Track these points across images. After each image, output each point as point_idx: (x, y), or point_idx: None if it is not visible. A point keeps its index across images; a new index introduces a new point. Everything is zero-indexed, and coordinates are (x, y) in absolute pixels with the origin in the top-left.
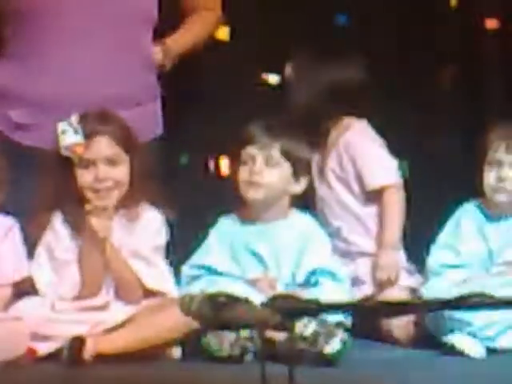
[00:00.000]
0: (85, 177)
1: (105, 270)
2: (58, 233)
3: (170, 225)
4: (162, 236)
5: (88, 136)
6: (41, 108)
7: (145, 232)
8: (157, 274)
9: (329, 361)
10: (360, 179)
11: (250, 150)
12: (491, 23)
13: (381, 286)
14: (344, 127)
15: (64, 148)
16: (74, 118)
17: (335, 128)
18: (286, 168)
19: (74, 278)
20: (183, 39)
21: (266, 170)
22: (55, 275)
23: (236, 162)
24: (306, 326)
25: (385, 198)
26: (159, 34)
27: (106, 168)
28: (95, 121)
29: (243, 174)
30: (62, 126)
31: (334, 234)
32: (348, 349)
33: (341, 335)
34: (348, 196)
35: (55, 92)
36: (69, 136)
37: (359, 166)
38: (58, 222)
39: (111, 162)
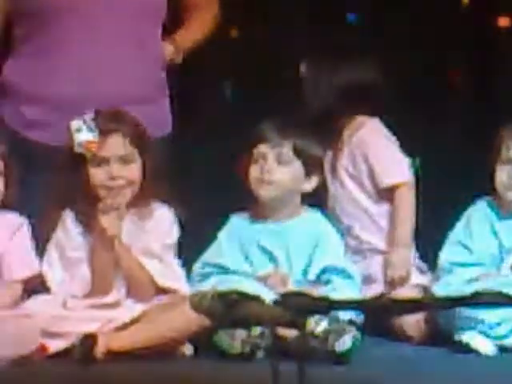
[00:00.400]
0: (98, 175)
1: (116, 269)
2: (68, 231)
3: (181, 223)
4: (173, 234)
5: (102, 134)
6: (54, 106)
7: (156, 230)
8: (169, 272)
9: (339, 358)
10: (372, 177)
11: (262, 148)
12: (504, 21)
13: (392, 284)
14: (357, 125)
15: (78, 145)
16: (89, 116)
17: (348, 126)
18: (297, 166)
19: (85, 277)
20: (191, 34)
21: (277, 167)
22: (66, 273)
23: (248, 160)
24: (317, 324)
25: (397, 196)
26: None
27: (119, 166)
28: (109, 119)
29: (254, 172)
30: (76, 123)
31: (346, 231)
32: (358, 347)
33: (352, 333)
34: (360, 194)
35: (68, 90)
36: (83, 133)
37: (372, 163)
38: (68, 220)
39: (124, 160)
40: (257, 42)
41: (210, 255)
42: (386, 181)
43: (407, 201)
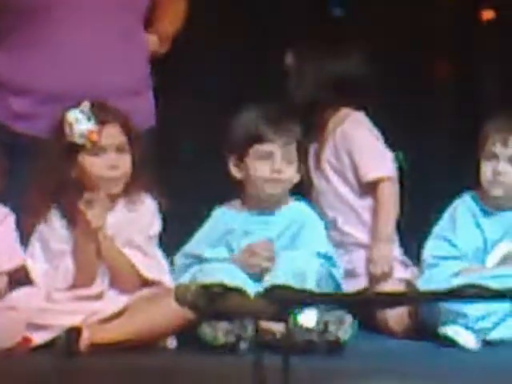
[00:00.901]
0: (96, 164)
1: (99, 260)
2: (52, 223)
3: (165, 214)
4: (155, 225)
5: (101, 123)
6: (42, 98)
7: (139, 221)
8: (152, 264)
9: (342, 347)
10: (356, 171)
11: (270, 147)
12: (487, 14)
13: (375, 279)
14: (341, 118)
15: (79, 135)
16: (86, 106)
17: (333, 118)
18: (297, 161)
19: (68, 269)
20: (171, 24)
21: (285, 166)
22: (49, 265)
23: (240, 157)
24: (308, 317)
25: (379, 191)
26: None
27: (117, 156)
28: (104, 109)
29: (261, 170)
30: (73, 113)
31: (329, 224)
32: (356, 331)
33: (348, 318)
34: (344, 187)
35: (56, 82)
36: (83, 123)
37: (355, 157)
38: (52, 212)
39: (120, 149)
40: (242, 31)
41: (192, 246)
42: (369, 175)
43: (390, 195)
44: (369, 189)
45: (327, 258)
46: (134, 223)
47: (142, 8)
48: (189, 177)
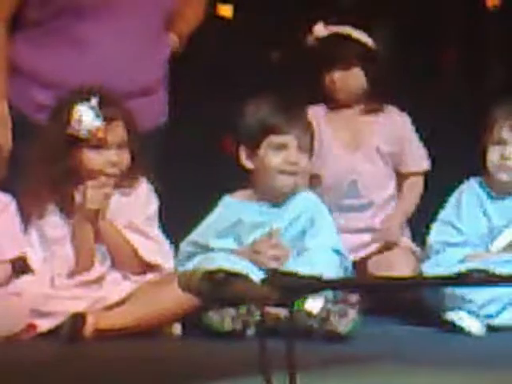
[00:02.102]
0: (96, 160)
1: (99, 243)
2: (47, 212)
3: (170, 202)
4: (153, 204)
5: (107, 120)
6: (65, 91)
7: (137, 203)
8: (154, 246)
9: (341, 339)
10: (398, 157)
11: (283, 138)
12: (492, 0)
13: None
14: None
15: (85, 130)
16: (95, 101)
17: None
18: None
19: (67, 255)
20: (189, 20)
21: (300, 157)
22: (47, 253)
23: (254, 148)
24: (314, 304)
25: (412, 181)
26: None
27: (118, 152)
28: (112, 105)
29: (277, 162)
30: (82, 108)
31: (350, 188)
32: (358, 326)
33: (352, 313)
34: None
35: (80, 76)
36: (90, 119)
37: (405, 145)
38: (48, 198)
39: (121, 146)
40: (250, 25)
41: (197, 235)
42: (417, 166)
43: (420, 188)
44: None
45: (339, 252)
46: (130, 205)
47: (170, 8)
48: (196, 167)
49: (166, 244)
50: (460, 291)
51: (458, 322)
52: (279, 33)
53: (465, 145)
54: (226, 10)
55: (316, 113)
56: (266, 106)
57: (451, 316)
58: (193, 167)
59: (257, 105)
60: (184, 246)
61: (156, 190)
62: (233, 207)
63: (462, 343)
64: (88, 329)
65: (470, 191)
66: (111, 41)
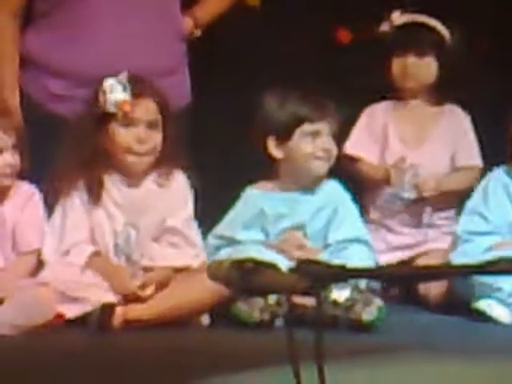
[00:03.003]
0: (125, 136)
1: None
2: (73, 198)
3: (197, 193)
4: (190, 206)
5: (135, 96)
6: (79, 79)
7: (173, 199)
8: (191, 252)
9: (365, 328)
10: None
11: (317, 125)
12: None
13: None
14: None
15: (111, 104)
16: (123, 76)
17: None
18: None
19: (83, 250)
20: (209, 8)
21: (332, 144)
22: (62, 243)
23: (284, 138)
24: (339, 292)
25: (467, 174)
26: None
27: (147, 130)
28: (141, 83)
29: (310, 148)
30: (110, 81)
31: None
32: (384, 315)
33: (377, 302)
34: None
35: (93, 63)
36: (117, 92)
37: (463, 138)
38: (76, 186)
39: (151, 125)
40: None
41: (223, 228)
42: (473, 161)
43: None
44: None
45: (364, 241)
46: (168, 200)
47: None
48: (220, 156)
49: (202, 246)
50: (488, 280)
51: (487, 311)
52: (305, 25)
53: (492, 132)
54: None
55: (381, 109)
56: (295, 95)
57: (480, 304)
58: (216, 155)
59: (284, 95)
60: (211, 239)
61: (194, 188)
62: (255, 198)
63: (491, 332)
64: (117, 319)
65: (496, 180)
66: (121, 24)
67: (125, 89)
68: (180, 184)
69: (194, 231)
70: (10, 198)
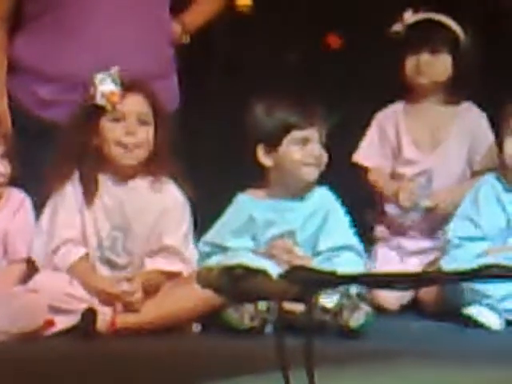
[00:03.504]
0: (114, 130)
1: None
2: (65, 193)
3: (191, 202)
4: (187, 221)
5: (125, 89)
6: (67, 84)
7: (171, 219)
8: (183, 267)
9: (353, 333)
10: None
11: (306, 132)
12: None
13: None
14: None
15: (100, 96)
16: (114, 70)
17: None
18: None
19: (69, 252)
20: (200, 13)
21: (322, 151)
22: (49, 241)
23: (274, 145)
24: (328, 298)
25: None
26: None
27: (136, 124)
28: (133, 79)
29: (300, 157)
30: (100, 75)
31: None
32: (371, 322)
33: (365, 308)
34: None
35: (82, 68)
36: (107, 84)
37: (478, 141)
38: (68, 182)
39: (141, 120)
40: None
41: (213, 235)
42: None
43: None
44: None
45: (354, 249)
46: (159, 208)
47: None
48: (210, 162)
49: (195, 258)
50: (479, 286)
51: (478, 317)
52: (298, 31)
53: None
54: (245, 2)
55: (394, 111)
56: (283, 102)
57: (470, 310)
58: (206, 162)
59: (272, 102)
60: (201, 247)
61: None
62: (245, 205)
63: (482, 338)
64: (103, 326)
65: (487, 185)
66: (111, 29)
67: (114, 81)
68: (176, 196)
69: (190, 247)
70: (1, 206)
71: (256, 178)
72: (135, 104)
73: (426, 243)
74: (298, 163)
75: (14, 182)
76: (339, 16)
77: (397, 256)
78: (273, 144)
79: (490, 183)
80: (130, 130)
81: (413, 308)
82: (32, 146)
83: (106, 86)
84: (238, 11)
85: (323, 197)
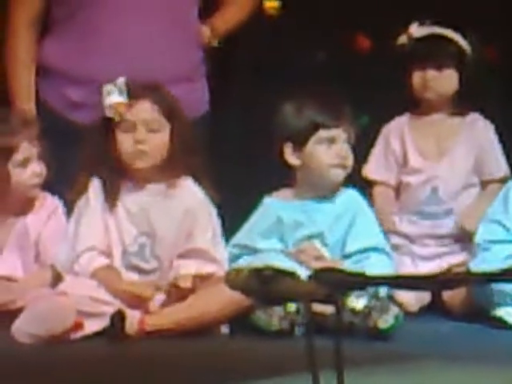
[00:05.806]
0: (125, 141)
1: None
2: (89, 200)
3: (214, 202)
4: (214, 221)
5: (132, 98)
6: (96, 86)
7: (200, 222)
8: (214, 268)
9: (382, 335)
10: (478, 165)
11: (333, 132)
12: None
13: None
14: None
15: (108, 107)
16: (120, 80)
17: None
18: None
19: (92, 260)
20: (228, 18)
21: (349, 152)
22: (73, 248)
23: (301, 144)
24: (357, 300)
25: (494, 187)
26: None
27: (146, 132)
28: (140, 86)
29: (326, 156)
30: (107, 87)
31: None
32: (401, 323)
33: (394, 309)
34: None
35: (112, 70)
36: (114, 96)
37: (486, 151)
38: (92, 189)
39: (151, 128)
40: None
41: (242, 237)
42: (499, 173)
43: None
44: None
45: (383, 250)
46: (186, 213)
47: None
48: (238, 165)
49: (226, 259)
50: (507, 287)
51: (506, 318)
52: (326, 32)
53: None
54: (273, 4)
55: (400, 122)
56: (311, 101)
57: (499, 312)
58: (234, 164)
59: (300, 101)
60: (229, 248)
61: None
62: (273, 207)
63: (510, 339)
64: (132, 328)
65: None
66: (139, 31)
67: (121, 92)
68: (196, 195)
69: (220, 247)
70: (35, 210)
71: (284, 178)
72: (143, 111)
73: (441, 249)
74: (325, 163)
75: (45, 185)
76: (367, 17)
77: (410, 261)
78: (299, 143)
79: None
80: (139, 138)
81: (434, 309)
82: (61, 148)
83: (113, 98)
84: (266, 13)
85: (351, 198)
